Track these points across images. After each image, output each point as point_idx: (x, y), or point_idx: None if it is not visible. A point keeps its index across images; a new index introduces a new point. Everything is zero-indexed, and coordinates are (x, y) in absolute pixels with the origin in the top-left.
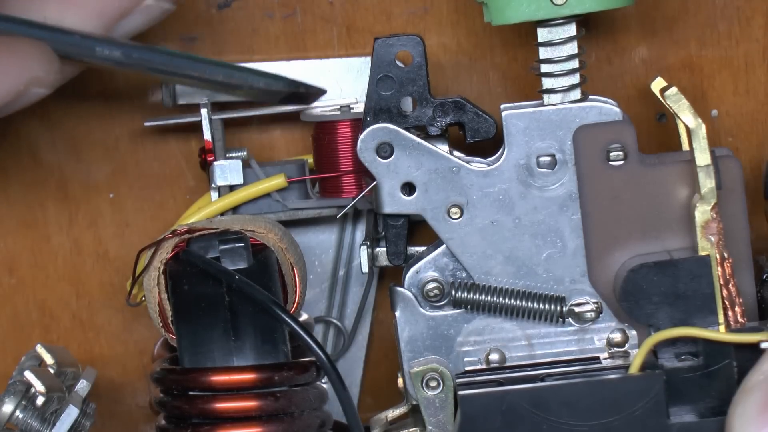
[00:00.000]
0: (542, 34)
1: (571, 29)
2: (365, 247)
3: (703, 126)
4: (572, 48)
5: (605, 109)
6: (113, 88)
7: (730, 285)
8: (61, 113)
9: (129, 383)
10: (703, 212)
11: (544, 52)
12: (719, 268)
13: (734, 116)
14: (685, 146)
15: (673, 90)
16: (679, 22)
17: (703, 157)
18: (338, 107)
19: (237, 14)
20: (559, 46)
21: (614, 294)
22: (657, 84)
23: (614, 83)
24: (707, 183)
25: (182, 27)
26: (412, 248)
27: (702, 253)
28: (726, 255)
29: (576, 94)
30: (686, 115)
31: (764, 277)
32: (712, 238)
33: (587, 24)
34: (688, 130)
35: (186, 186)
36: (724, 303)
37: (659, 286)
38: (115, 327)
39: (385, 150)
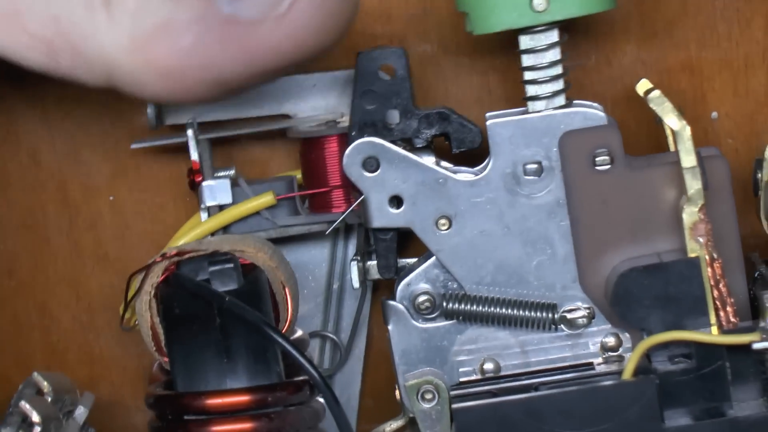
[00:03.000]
0: (524, 41)
1: (554, 35)
2: (355, 262)
3: (688, 128)
4: (555, 54)
5: (590, 114)
6: (113, 91)
7: (720, 285)
8: (61, 115)
9: (129, 383)
10: (690, 214)
11: (527, 60)
12: (709, 269)
13: (734, 118)
14: (673, 148)
15: (656, 93)
16: (679, 23)
17: (688, 159)
18: (325, 122)
19: None
20: (541, 53)
21: (606, 298)
22: (642, 86)
23: (613, 85)
24: (694, 184)
25: None
26: (404, 260)
27: (691, 254)
28: (715, 256)
29: (560, 100)
30: (670, 118)
31: (756, 275)
32: (701, 240)
33: (587, 26)
34: (674, 132)
35: (186, 188)
36: (715, 304)
37: (650, 289)
38: (115, 329)
39: (371, 164)
